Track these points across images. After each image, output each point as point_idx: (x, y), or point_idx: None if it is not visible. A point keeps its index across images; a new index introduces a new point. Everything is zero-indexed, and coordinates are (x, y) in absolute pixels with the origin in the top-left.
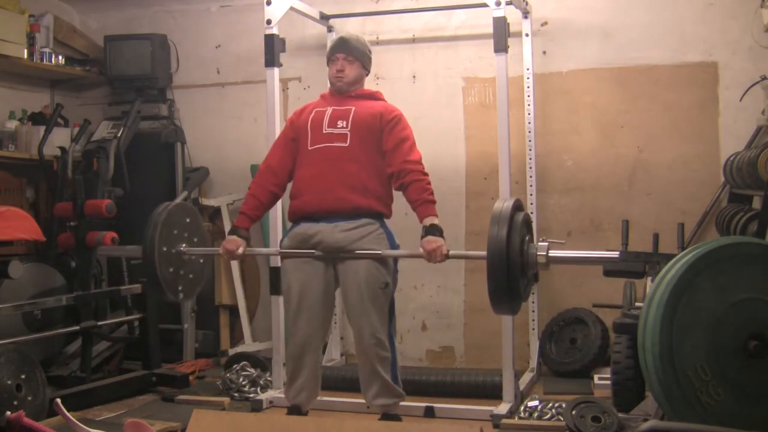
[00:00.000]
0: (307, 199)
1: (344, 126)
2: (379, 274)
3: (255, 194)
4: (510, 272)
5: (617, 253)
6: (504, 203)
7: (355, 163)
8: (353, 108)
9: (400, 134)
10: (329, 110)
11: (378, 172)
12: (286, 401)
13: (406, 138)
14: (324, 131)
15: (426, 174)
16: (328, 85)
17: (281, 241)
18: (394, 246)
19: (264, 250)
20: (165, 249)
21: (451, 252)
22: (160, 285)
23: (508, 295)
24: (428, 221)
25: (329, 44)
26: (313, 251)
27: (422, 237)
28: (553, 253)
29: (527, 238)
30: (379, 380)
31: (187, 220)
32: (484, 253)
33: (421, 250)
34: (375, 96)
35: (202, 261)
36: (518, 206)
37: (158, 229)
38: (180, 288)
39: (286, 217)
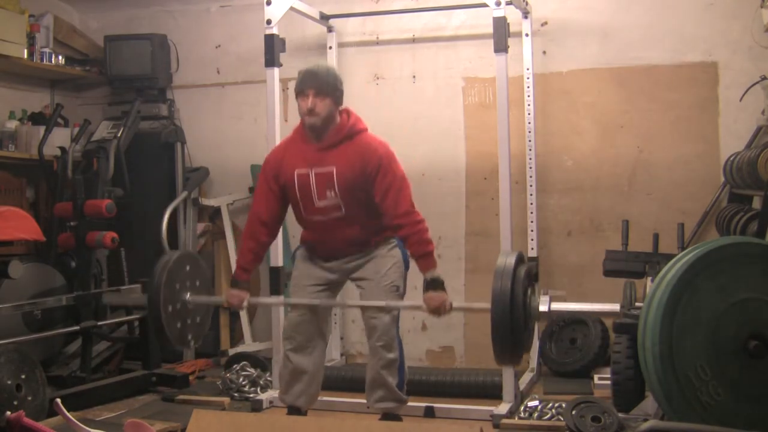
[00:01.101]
0: (319, 253)
1: (334, 195)
2: (391, 277)
3: (250, 248)
4: (514, 326)
5: (618, 306)
6: (507, 258)
7: (356, 225)
8: (335, 168)
9: (383, 183)
10: (312, 175)
11: (378, 213)
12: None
13: (390, 185)
14: (316, 205)
15: (418, 221)
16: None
17: (295, 250)
18: (404, 252)
19: (268, 299)
20: (171, 309)
21: (455, 305)
22: (170, 342)
23: (512, 348)
24: (429, 275)
25: (298, 76)
26: (317, 302)
27: (425, 291)
28: (555, 306)
29: (530, 291)
30: (384, 386)
31: (188, 269)
32: (488, 305)
33: (423, 305)
34: (351, 133)
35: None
36: (521, 259)
37: (161, 292)
38: (189, 337)
39: (291, 228)
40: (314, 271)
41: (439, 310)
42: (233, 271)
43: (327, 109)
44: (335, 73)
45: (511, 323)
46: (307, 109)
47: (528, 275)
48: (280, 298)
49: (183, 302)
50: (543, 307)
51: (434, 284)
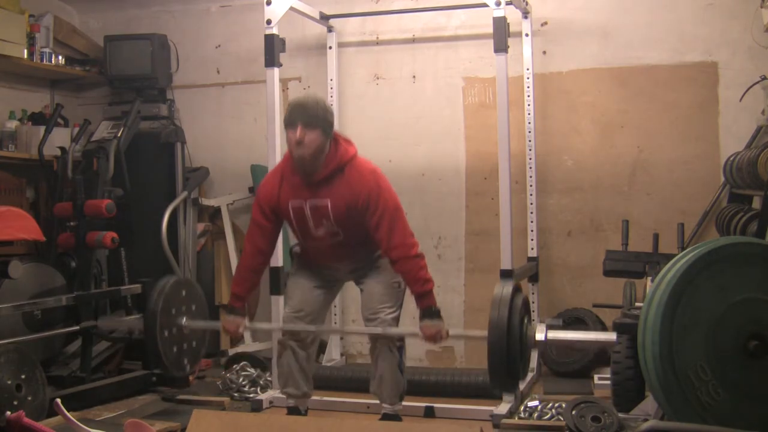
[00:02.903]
0: (320, 263)
1: (331, 225)
2: (392, 273)
3: (247, 278)
4: (510, 355)
5: (614, 336)
6: (503, 287)
7: (354, 246)
8: (328, 202)
9: (375, 215)
10: (307, 208)
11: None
12: (285, 401)
13: (381, 217)
14: (314, 234)
15: (413, 257)
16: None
17: (292, 246)
18: None
19: (264, 325)
20: (166, 334)
21: (452, 332)
22: (167, 369)
23: (507, 376)
24: (426, 303)
25: (287, 108)
26: (312, 328)
27: (420, 320)
28: (551, 335)
29: (526, 320)
30: (386, 386)
31: (183, 294)
32: (484, 333)
33: (420, 334)
34: (341, 165)
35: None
36: (517, 289)
37: (157, 320)
38: (185, 362)
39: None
40: (312, 269)
41: (435, 338)
42: (229, 298)
43: (316, 141)
44: (324, 104)
45: (507, 352)
46: (296, 141)
47: (524, 304)
48: (278, 324)
49: (179, 328)
50: (540, 336)
51: (430, 313)
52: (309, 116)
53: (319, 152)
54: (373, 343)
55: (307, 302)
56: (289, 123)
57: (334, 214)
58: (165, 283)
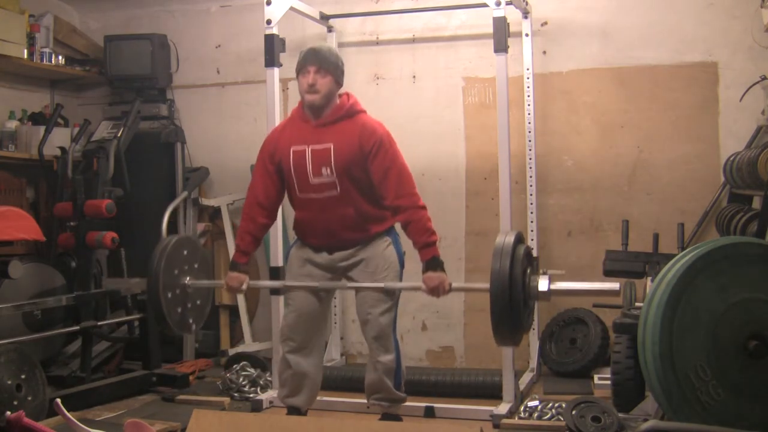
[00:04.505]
0: (311, 239)
1: (329, 173)
2: (387, 272)
3: (248, 231)
4: (513, 306)
5: (617, 285)
6: (505, 237)
7: (351, 207)
8: (332, 145)
9: (384, 162)
10: (308, 152)
11: (374, 199)
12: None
13: (391, 165)
14: (311, 182)
15: (421, 207)
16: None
17: (289, 248)
18: (399, 251)
19: (267, 283)
20: (170, 295)
21: (454, 285)
22: (172, 329)
23: (511, 328)
24: (430, 254)
25: (299, 55)
26: (316, 284)
27: (423, 271)
28: (554, 285)
29: (528, 271)
30: (383, 389)
31: (185, 253)
32: (487, 285)
33: (423, 285)
34: (350, 112)
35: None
36: (519, 239)
37: (160, 280)
38: (191, 321)
39: (291, 228)
40: (308, 271)
41: (438, 290)
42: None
43: (327, 86)
44: (337, 52)
45: (510, 302)
46: (308, 85)
47: (527, 255)
48: (280, 282)
49: (183, 287)
50: (542, 287)
51: (434, 264)
52: (322, 61)
53: (329, 98)
54: (370, 350)
55: (306, 304)
56: (301, 68)
57: (336, 159)
58: (167, 242)
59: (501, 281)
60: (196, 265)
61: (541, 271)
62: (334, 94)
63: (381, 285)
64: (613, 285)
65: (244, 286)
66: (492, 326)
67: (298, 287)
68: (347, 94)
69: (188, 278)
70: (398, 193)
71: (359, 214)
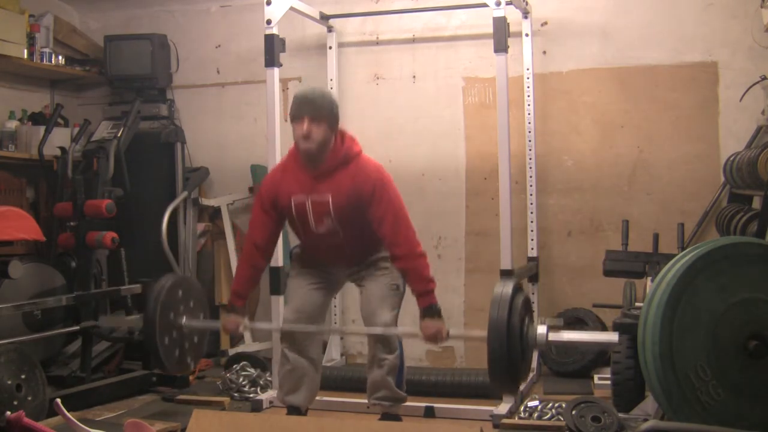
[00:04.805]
0: (319, 263)
1: (331, 222)
2: (391, 276)
3: (247, 276)
4: (510, 355)
5: (616, 336)
6: (503, 287)
7: (355, 245)
8: (330, 197)
9: (378, 212)
10: (309, 203)
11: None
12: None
13: (384, 215)
14: (314, 231)
15: (419, 255)
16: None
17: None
18: None
19: (265, 325)
20: (167, 340)
21: (452, 332)
22: (170, 371)
23: (509, 377)
24: (427, 302)
25: (294, 100)
26: (313, 328)
27: (421, 319)
28: (552, 337)
29: (527, 320)
30: (385, 388)
31: (180, 294)
32: (484, 333)
33: (420, 334)
34: (346, 159)
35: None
36: (518, 289)
37: (156, 326)
38: (189, 360)
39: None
40: (311, 269)
41: (435, 338)
42: (229, 297)
43: (322, 134)
44: (331, 97)
45: (507, 353)
46: (303, 135)
47: (525, 304)
48: (277, 325)
49: (179, 329)
50: (540, 337)
51: (431, 312)
52: (316, 110)
53: (325, 145)
54: (370, 350)
55: (307, 303)
56: (295, 116)
57: (335, 210)
58: (161, 287)
59: (499, 331)
60: (191, 304)
61: (540, 321)
62: (330, 140)
63: (379, 330)
64: (612, 336)
65: (242, 329)
66: (489, 375)
67: (297, 287)
68: (342, 136)
69: (184, 318)
70: (395, 240)
71: (366, 247)
